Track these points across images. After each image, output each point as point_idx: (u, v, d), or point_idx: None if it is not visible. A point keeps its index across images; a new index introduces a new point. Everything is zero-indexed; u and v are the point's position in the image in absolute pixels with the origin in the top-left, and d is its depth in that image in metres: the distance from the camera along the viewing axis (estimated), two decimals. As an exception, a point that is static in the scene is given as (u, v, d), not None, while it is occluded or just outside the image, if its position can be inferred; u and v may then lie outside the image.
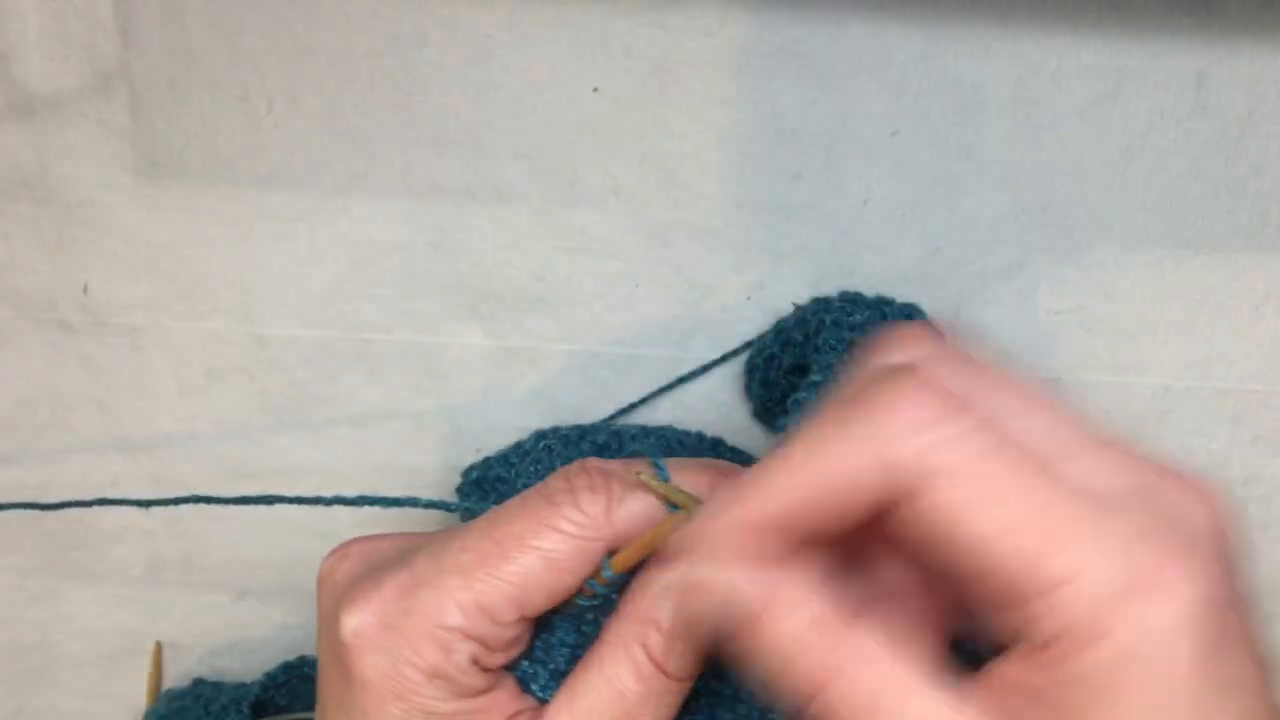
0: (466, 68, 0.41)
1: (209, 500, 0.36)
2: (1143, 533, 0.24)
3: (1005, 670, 0.25)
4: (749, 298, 0.43)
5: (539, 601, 0.30)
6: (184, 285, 0.43)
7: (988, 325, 0.43)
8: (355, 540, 0.33)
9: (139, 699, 0.47)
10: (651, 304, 0.43)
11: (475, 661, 0.30)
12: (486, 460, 0.41)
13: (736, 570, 0.26)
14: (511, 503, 0.31)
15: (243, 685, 0.45)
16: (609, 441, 0.40)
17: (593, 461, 0.31)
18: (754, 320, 0.43)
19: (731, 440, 0.44)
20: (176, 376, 0.44)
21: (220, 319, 0.44)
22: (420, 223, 0.43)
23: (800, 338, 0.40)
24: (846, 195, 0.42)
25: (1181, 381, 0.43)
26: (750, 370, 0.42)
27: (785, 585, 0.26)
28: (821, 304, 0.41)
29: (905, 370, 0.25)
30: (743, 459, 0.42)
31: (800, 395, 0.36)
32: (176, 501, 0.36)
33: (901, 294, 0.43)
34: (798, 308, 0.42)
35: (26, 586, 0.46)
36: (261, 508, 0.45)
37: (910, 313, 0.40)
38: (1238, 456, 0.44)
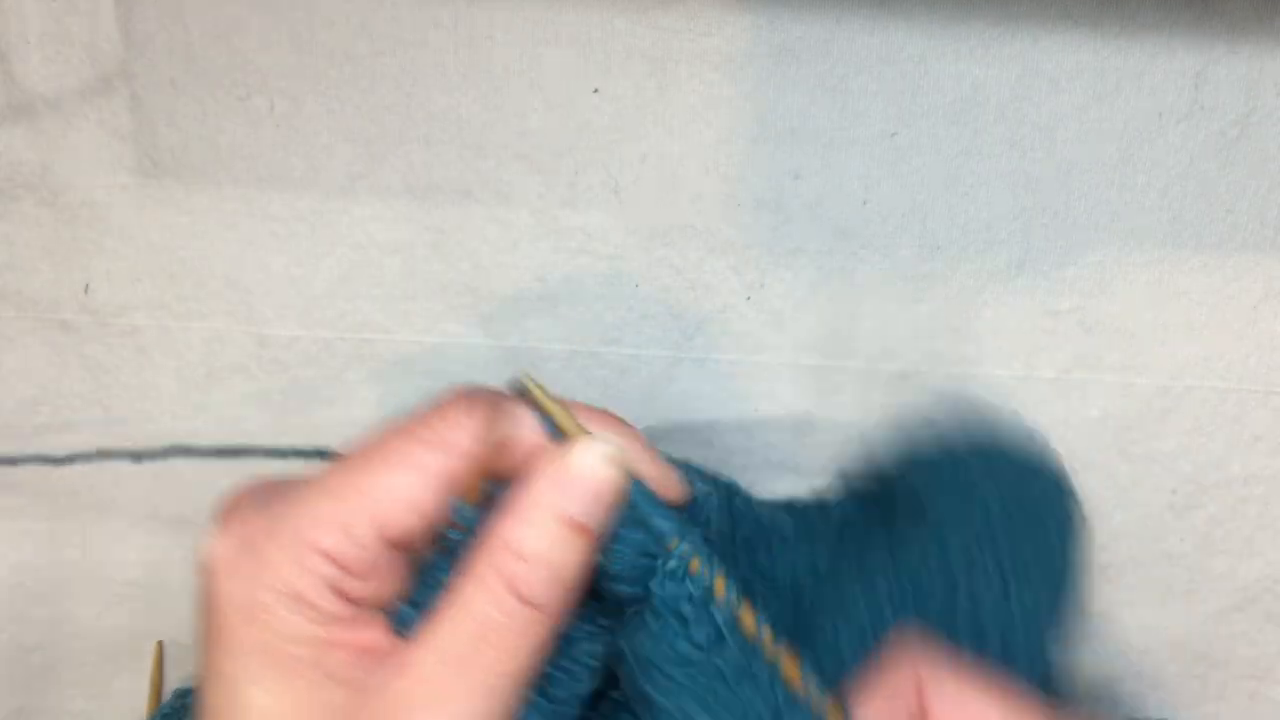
0: (466, 68, 0.41)
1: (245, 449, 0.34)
2: None
3: None
4: (749, 298, 0.43)
5: (401, 521, 0.28)
6: (184, 285, 0.43)
7: (986, 325, 0.43)
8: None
9: (139, 699, 0.47)
10: (651, 304, 0.43)
11: (334, 588, 0.27)
12: None
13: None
14: (387, 424, 0.29)
15: None
16: None
17: (472, 386, 0.29)
18: (754, 320, 0.43)
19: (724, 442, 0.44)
20: (177, 376, 0.44)
21: (220, 319, 0.44)
22: (420, 223, 0.43)
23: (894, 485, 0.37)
24: (846, 195, 0.42)
25: (1181, 381, 0.44)
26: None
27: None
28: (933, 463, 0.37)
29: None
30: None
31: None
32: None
33: (901, 293, 0.43)
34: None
35: (26, 586, 0.46)
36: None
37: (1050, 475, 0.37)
38: (1238, 456, 0.44)
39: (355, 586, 0.28)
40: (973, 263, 0.42)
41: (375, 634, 0.28)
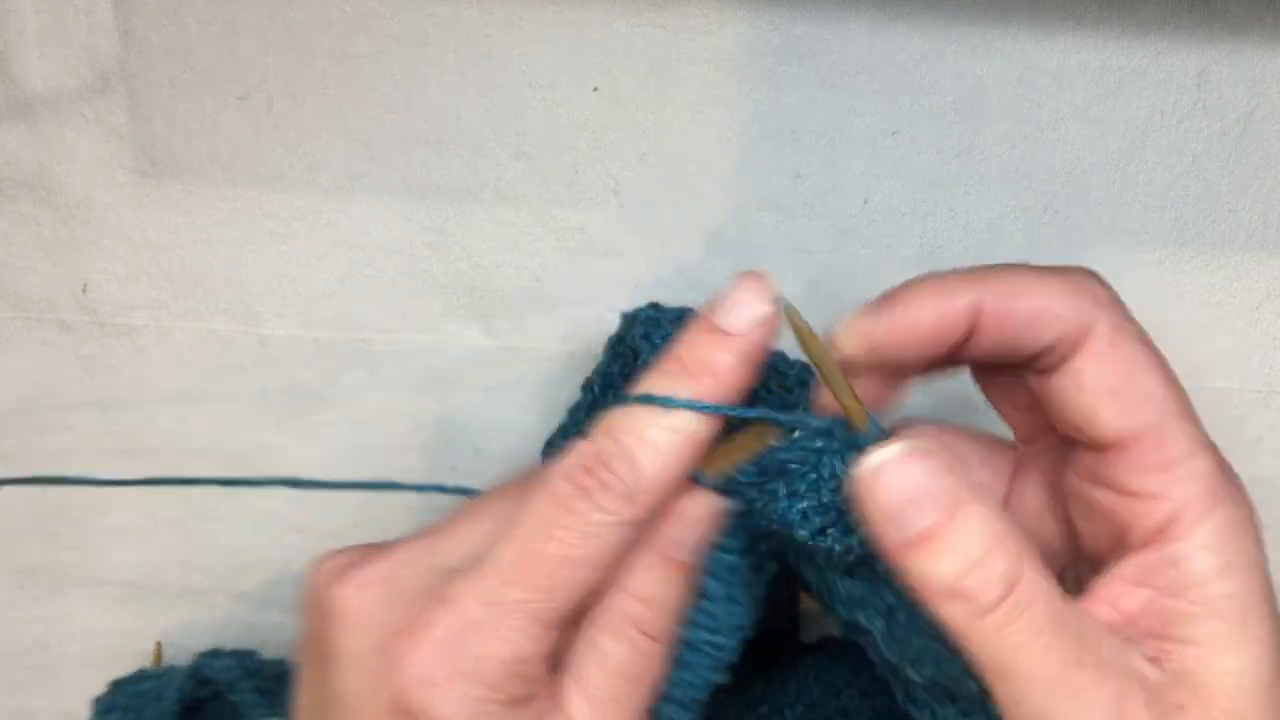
0: (466, 68, 0.41)
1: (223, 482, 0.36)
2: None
3: (1125, 567, 0.28)
4: (749, 298, 0.43)
5: (594, 589, 0.30)
6: (183, 285, 0.43)
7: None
8: (356, 561, 0.31)
9: (139, 699, 0.47)
10: (651, 304, 0.43)
11: (550, 666, 0.30)
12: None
13: (931, 462, 0.27)
14: (529, 515, 0.30)
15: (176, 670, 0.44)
16: None
17: (581, 452, 0.30)
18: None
19: None
20: (176, 376, 0.44)
21: (220, 319, 0.44)
22: (420, 223, 0.43)
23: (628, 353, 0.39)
24: (846, 195, 0.42)
25: (1182, 381, 0.43)
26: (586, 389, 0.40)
27: (966, 494, 0.27)
28: (629, 319, 0.39)
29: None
30: None
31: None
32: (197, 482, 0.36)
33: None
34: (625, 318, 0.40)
35: (26, 586, 0.46)
36: (259, 509, 0.45)
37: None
38: (1238, 456, 0.44)
39: (542, 668, 0.30)
40: (974, 262, 0.42)
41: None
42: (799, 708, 0.38)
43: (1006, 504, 0.34)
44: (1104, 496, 0.29)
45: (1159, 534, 0.27)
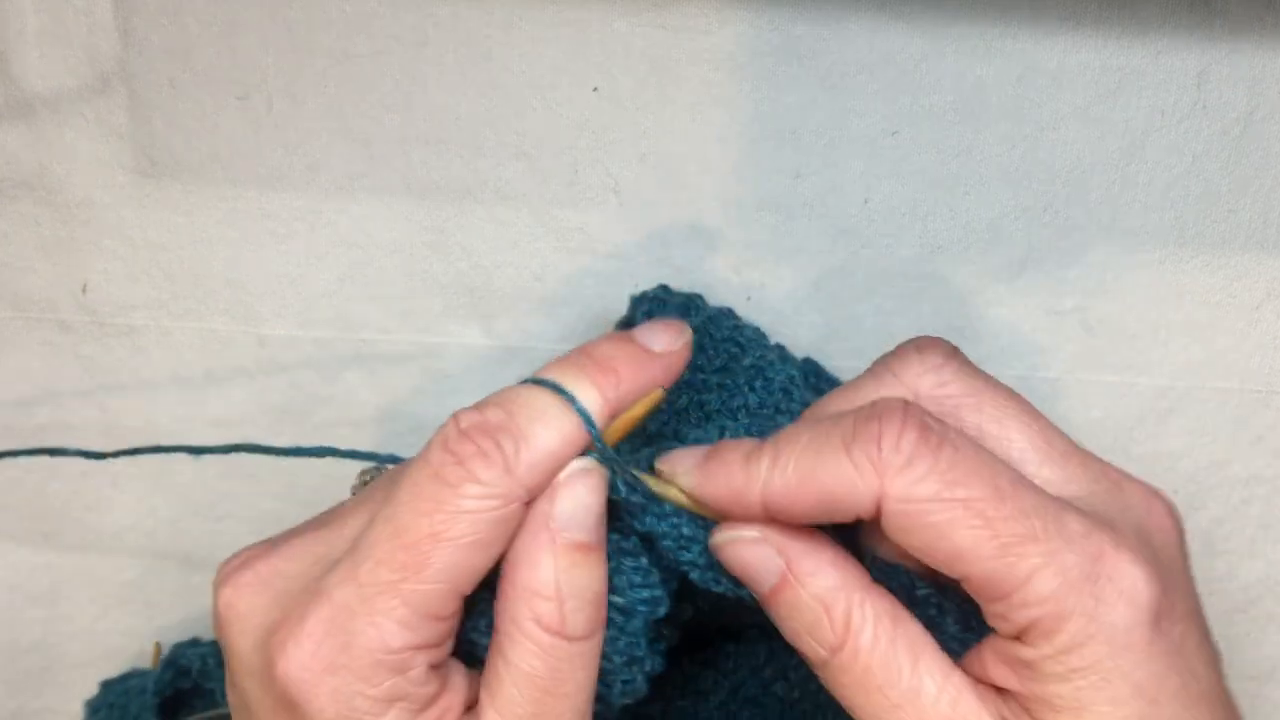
0: (466, 68, 0.41)
1: (259, 449, 0.36)
2: (1096, 527, 0.28)
3: (992, 648, 0.29)
4: (749, 298, 0.43)
5: (474, 581, 0.29)
6: (183, 285, 0.43)
7: (988, 325, 0.43)
8: (245, 561, 0.31)
9: (139, 699, 0.47)
10: (651, 304, 0.43)
11: (430, 666, 0.29)
12: None
13: (768, 534, 0.30)
14: (402, 490, 0.29)
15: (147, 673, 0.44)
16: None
17: (466, 417, 0.29)
18: (754, 320, 0.43)
19: None
20: (175, 376, 0.44)
21: (220, 319, 0.44)
22: (420, 223, 0.43)
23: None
24: (846, 195, 0.42)
25: (1182, 381, 0.43)
26: None
27: (810, 550, 0.30)
28: (636, 301, 0.40)
29: (895, 405, 0.29)
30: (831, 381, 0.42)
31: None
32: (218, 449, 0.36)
33: (901, 294, 0.43)
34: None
35: (26, 586, 0.46)
36: (258, 509, 0.45)
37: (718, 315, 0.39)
38: (1238, 456, 0.44)
39: (444, 654, 0.29)
40: (974, 263, 0.42)
41: (459, 686, 0.30)
42: (804, 669, 0.38)
43: None
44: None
45: (1016, 637, 0.28)
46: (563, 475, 0.30)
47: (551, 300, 0.43)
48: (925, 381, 0.32)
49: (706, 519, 0.31)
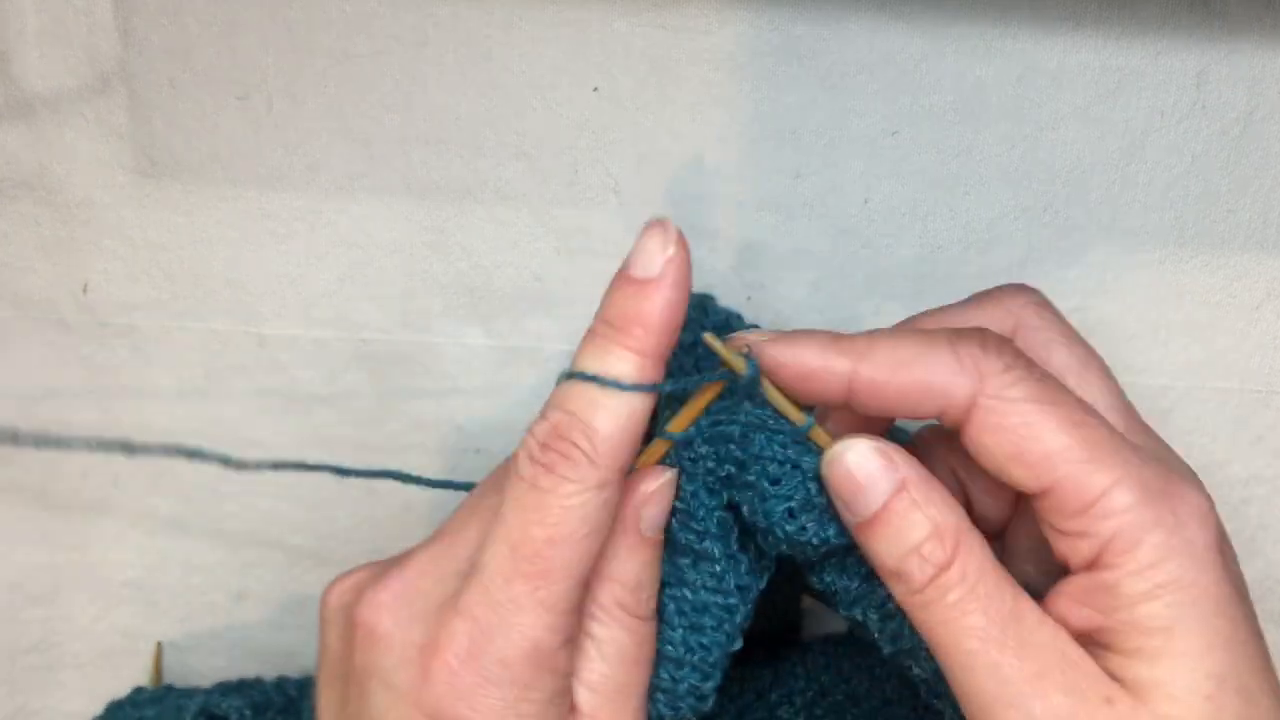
0: (466, 68, 0.41)
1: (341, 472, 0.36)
2: (1161, 463, 0.30)
3: (1067, 589, 0.29)
4: (749, 298, 0.43)
5: (591, 566, 0.30)
6: (183, 285, 0.43)
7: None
8: (377, 581, 0.32)
9: (139, 699, 0.47)
10: (651, 304, 0.43)
11: (563, 675, 0.30)
12: None
13: (883, 445, 0.30)
14: (508, 509, 0.30)
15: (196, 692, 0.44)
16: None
17: (539, 429, 0.30)
18: (754, 320, 0.43)
19: None
20: (175, 376, 0.44)
21: (220, 319, 0.44)
22: (420, 223, 0.43)
23: None
24: (846, 195, 0.42)
25: (1182, 381, 0.43)
26: None
27: (920, 468, 0.30)
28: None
29: (993, 331, 0.31)
30: None
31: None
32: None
33: (901, 294, 0.43)
34: None
35: (26, 586, 0.46)
36: (258, 509, 0.45)
37: (729, 318, 0.40)
38: (1238, 456, 0.44)
39: (567, 655, 0.31)
40: (974, 263, 0.42)
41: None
42: (810, 693, 0.38)
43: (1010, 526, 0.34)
44: (1044, 528, 0.30)
45: (1091, 563, 0.29)
46: (651, 487, 0.32)
47: (551, 300, 0.43)
48: (1029, 313, 0.33)
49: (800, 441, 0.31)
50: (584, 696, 0.31)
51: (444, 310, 0.43)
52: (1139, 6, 0.40)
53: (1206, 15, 0.40)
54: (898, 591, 0.30)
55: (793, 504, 0.31)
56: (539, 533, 0.29)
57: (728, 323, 0.39)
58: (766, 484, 0.31)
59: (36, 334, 0.44)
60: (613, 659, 0.31)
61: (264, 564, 0.46)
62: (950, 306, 0.34)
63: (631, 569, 0.31)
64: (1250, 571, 0.45)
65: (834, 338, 0.31)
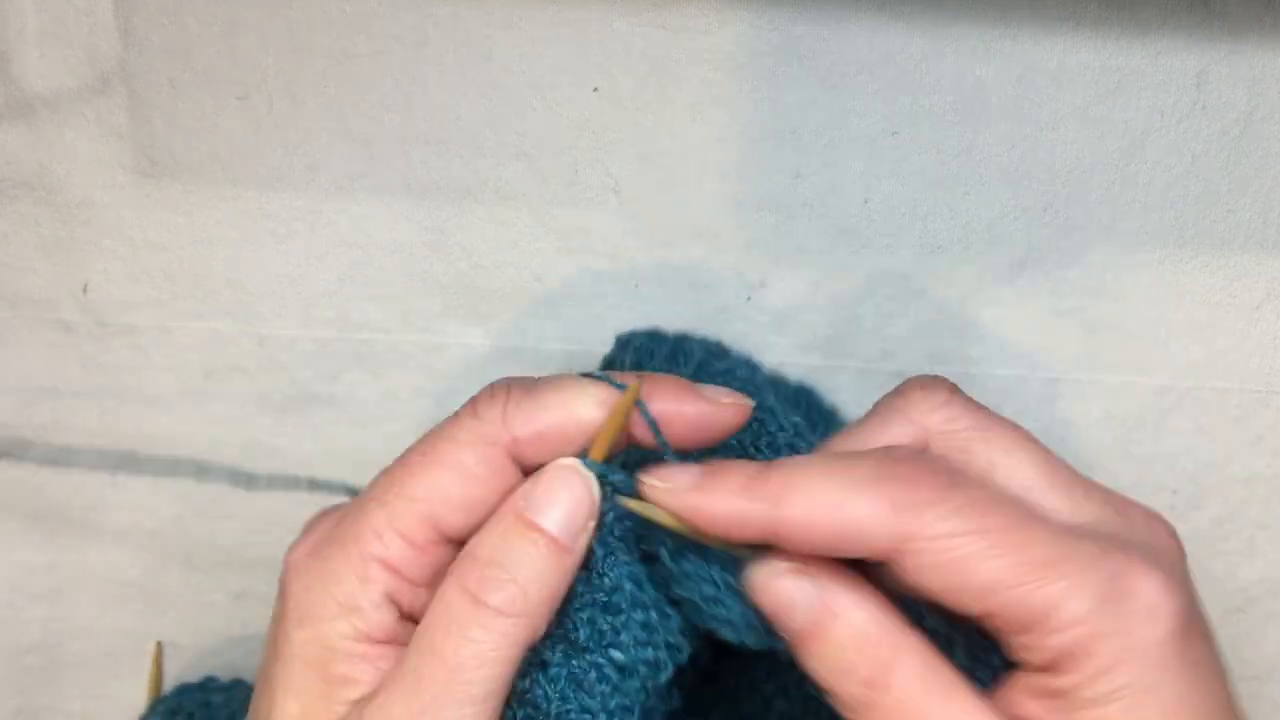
0: (466, 68, 0.41)
1: None
2: (1111, 548, 0.29)
3: (1021, 684, 0.29)
4: (749, 298, 0.43)
5: (456, 519, 0.29)
6: (183, 285, 0.43)
7: (988, 325, 0.43)
8: (313, 526, 0.32)
9: (139, 699, 0.46)
10: (651, 304, 0.43)
11: (392, 598, 0.29)
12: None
13: (801, 577, 0.29)
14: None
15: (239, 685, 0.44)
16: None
17: (508, 379, 0.31)
18: (754, 320, 0.43)
19: None
20: (175, 376, 0.44)
21: (220, 319, 0.44)
22: (420, 223, 0.43)
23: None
24: (846, 195, 0.42)
25: (1182, 381, 0.43)
26: None
27: (848, 586, 0.29)
28: (622, 344, 0.39)
29: (911, 451, 0.30)
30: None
31: None
32: None
33: (901, 294, 0.43)
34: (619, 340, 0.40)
35: (26, 586, 0.46)
36: (258, 508, 0.45)
37: (712, 350, 0.39)
38: (1238, 456, 0.44)
39: (410, 596, 0.30)
40: (974, 263, 0.42)
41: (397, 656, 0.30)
42: (724, 708, 0.38)
43: None
44: (994, 635, 0.30)
45: (1045, 668, 0.28)
46: (545, 469, 0.30)
47: (551, 300, 0.43)
48: (935, 418, 0.32)
49: (726, 556, 0.30)
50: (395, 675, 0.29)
51: (444, 310, 0.43)
52: (1139, 6, 0.40)
53: (1206, 15, 0.40)
54: (835, 707, 0.30)
55: (732, 622, 0.30)
56: (418, 447, 0.30)
57: (704, 369, 0.37)
58: (699, 600, 0.30)
59: (36, 334, 0.44)
60: (422, 645, 0.29)
61: (264, 563, 0.46)
62: (857, 427, 0.33)
63: (489, 542, 0.29)
64: (1250, 571, 0.46)
65: (750, 479, 0.29)
